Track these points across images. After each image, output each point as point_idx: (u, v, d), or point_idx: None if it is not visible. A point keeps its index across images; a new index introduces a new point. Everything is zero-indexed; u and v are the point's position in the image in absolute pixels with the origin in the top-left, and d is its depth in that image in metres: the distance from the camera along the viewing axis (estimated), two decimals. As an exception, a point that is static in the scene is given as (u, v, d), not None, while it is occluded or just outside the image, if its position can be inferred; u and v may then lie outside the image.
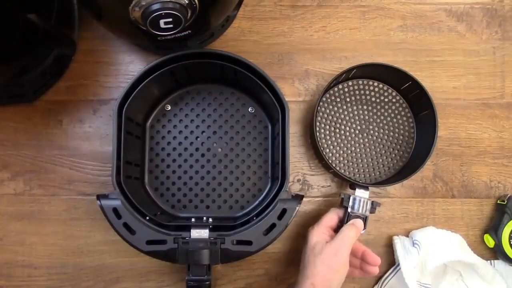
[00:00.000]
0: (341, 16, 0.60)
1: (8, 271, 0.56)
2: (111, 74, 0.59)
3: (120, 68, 0.59)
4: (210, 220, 0.52)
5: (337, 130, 0.58)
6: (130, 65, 0.59)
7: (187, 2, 0.41)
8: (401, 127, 0.59)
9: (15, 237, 0.57)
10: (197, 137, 0.57)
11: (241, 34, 0.60)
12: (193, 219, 0.53)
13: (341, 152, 0.58)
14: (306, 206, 0.58)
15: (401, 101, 0.59)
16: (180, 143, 0.57)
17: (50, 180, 0.57)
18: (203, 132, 0.57)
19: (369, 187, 0.53)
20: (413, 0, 0.60)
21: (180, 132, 0.57)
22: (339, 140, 0.58)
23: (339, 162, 0.58)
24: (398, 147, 0.58)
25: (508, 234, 0.55)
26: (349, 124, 0.58)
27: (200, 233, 0.48)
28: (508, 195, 0.57)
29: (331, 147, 0.58)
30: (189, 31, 0.46)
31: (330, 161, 0.56)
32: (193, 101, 0.58)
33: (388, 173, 0.58)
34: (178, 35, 0.46)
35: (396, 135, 0.59)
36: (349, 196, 0.52)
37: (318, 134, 0.56)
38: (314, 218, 0.58)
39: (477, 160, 0.59)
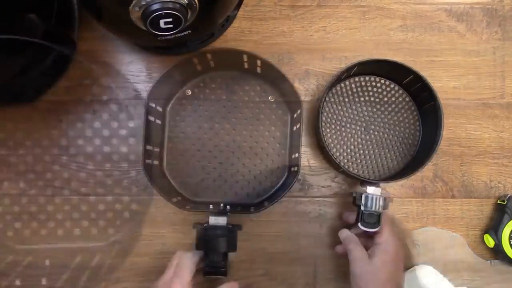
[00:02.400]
0: (341, 16, 0.60)
1: (8, 271, 0.56)
2: (111, 74, 0.59)
3: (120, 68, 0.59)
4: (228, 207, 0.55)
5: (343, 129, 0.58)
6: (130, 65, 0.59)
7: (187, 2, 0.41)
8: (406, 120, 0.59)
9: (15, 237, 0.57)
10: (216, 123, 0.58)
11: (241, 34, 0.60)
12: (210, 206, 0.55)
13: (348, 150, 0.58)
14: (306, 206, 0.58)
15: (404, 95, 0.59)
16: (199, 128, 0.58)
17: (50, 180, 0.57)
18: (222, 118, 0.58)
19: (380, 184, 0.53)
20: (413, 0, 0.61)
21: (200, 117, 0.58)
22: (346, 139, 0.58)
23: (347, 160, 0.58)
24: (405, 141, 0.58)
25: (508, 234, 0.56)
26: (354, 121, 0.58)
27: (217, 220, 0.51)
28: (508, 195, 0.57)
29: (338, 146, 0.58)
30: (189, 31, 0.46)
31: (338, 161, 0.56)
32: (215, 87, 0.59)
33: (397, 168, 0.58)
34: (178, 35, 0.46)
35: (402, 129, 0.58)
36: (361, 194, 0.51)
37: (323, 134, 0.56)
38: (314, 218, 0.58)
39: (477, 160, 0.59)
